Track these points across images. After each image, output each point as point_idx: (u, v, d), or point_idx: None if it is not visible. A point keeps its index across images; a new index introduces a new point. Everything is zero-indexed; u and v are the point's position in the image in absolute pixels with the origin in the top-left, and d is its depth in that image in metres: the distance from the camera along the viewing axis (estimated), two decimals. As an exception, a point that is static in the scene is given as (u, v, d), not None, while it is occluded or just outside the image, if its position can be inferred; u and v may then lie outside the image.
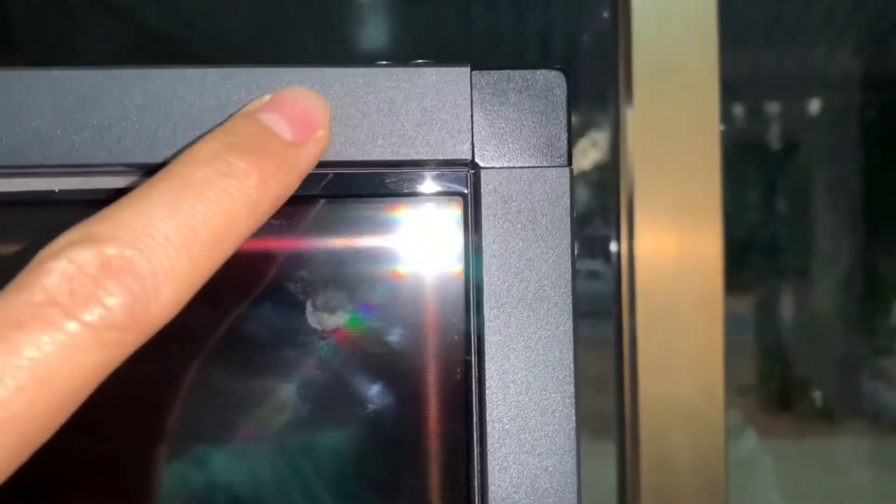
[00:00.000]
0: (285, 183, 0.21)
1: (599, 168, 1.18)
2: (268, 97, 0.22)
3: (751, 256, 1.52)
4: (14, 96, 0.22)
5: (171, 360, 0.23)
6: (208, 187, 0.19)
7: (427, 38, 1.19)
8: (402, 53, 1.19)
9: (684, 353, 0.65)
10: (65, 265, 0.18)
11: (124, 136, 0.22)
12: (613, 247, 0.71)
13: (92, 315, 0.18)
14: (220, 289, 0.23)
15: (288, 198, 0.21)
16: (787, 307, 1.61)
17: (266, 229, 0.23)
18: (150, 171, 0.23)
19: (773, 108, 1.54)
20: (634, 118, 0.65)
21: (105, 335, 0.18)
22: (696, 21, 0.64)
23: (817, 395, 1.58)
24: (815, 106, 1.52)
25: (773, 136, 1.55)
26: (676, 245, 0.66)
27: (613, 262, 0.71)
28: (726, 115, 1.46)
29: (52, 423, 0.18)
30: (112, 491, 0.24)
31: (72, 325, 0.17)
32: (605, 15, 0.72)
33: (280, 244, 0.23)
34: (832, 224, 1.55)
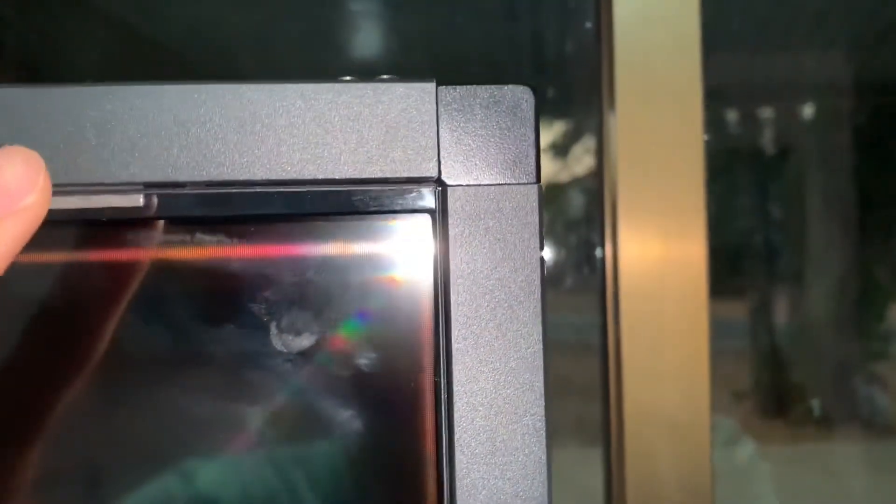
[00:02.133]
0: None
1: (595, 174, 1.17)
2: None
3: (744, 262, 1.52)
4: None
5: (138, 384, 0.23)
6: None
7: (416, 47, 1.19)
8: (393, 61, 1.19)
9: (669, 359, 0.64)
10: None
11: (79, 154, 0.22)
12: (598, 252, 0.71)
13: None
14: (183, 310, 0.23)
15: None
16: (781, 312, 1.61)
17: (230, 249, 0.23)
18: (104, 189, 0.22)
19: (765, 113, 1.53)
20: (618, 125, 0.65)
21: None
22: (679, 28, 0.64)
23: (813, 400, 1.58)
24: (807, 111, 1.52)
25: (766, 142, 1.55)
26: (660, 251, 0.65)
27: (598, 268, 0.71)
28: (719, 121, 1.46)
29: None
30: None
31: None
32: (588, 25, 0.71)
33: (243, 264, 0.23)
34: (826, 229, 1.54)
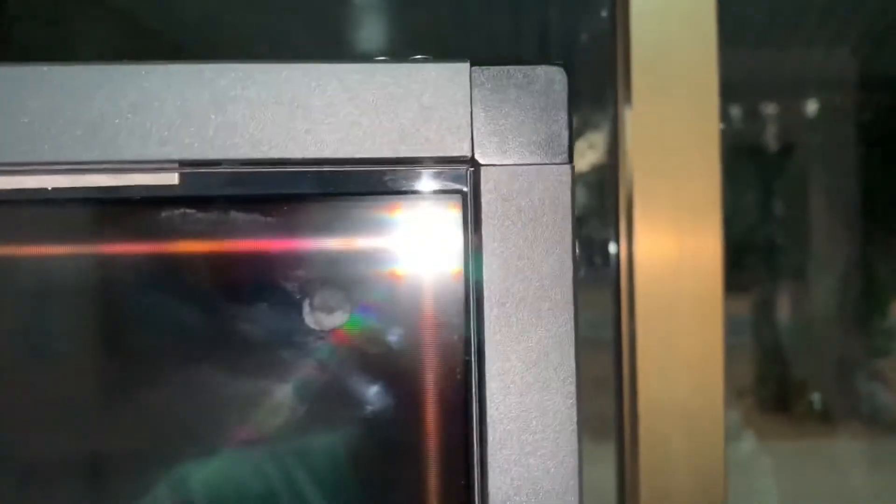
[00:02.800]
0: None
1: (597, 170, 1.17)
2: None
3: (748, 258, 1.52)
4: (4, 93, 0.22)
5: (170, 364, 0.23)
6: None
7: (423, 39, 1.19)
8: (399, 53, 1.19)
9: (684, 354, 0.64)
10: None
11: (116, 133, 0.22)
12: (612, 248, 0.71)
13: None
14: (217, 289, 0.23)
15: None
16: (784, 309, 1.61)
17: (262, 228, 0.23)
18: (140, 168, 0.22)
19: (769, 109, 1.54)
20: (633, 119, 0.65)
21: None
22: (695, 21, 0.64)
23: (815, 396, 1.58)
24: (811, 107, 1.52)
25: (770, 138, 1.55)
26: (676, 246, 0.65)
27: (612, 263, 0.71)
28: (723, 117, 1.46)
29: None
30: (112, 494, 0.23)
31: None
32: (604, 14, 0.71)
33: (277, 244, 0.23)
34: (829, 226, 1.55)
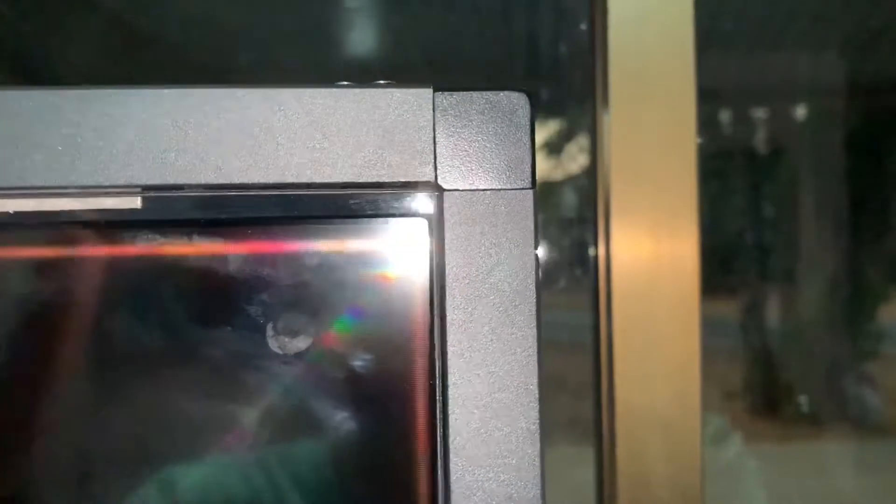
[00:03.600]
0: None
1: (589, 173, 1.18)
2: None
3: (736, 261, 1.52)
4: None
5: (133, 384, 0.23)
6: None
7: (410, 46, 1.19)
8: (387, 58, 1.19)
9: (660, 359, 0.65)
10: None
11: (79, 157, 0.22)
12: (591, 251, 0.71)
13: None
14: (181, 311, 0.23)
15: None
16: (772, 312, 1.61)
17: (226, 252, 0.23)
18: (103, 192, 0.22)
19: (759, 113, 1.54)
20: (611, 125, 0.65)
21: None
22: (673, 29, 0.64)
23: (803, 399, 1.59)
24: (801, 112, 1.52)
25: (759, 142, 1.56)
26: (653, 251, 0.65)
27: (591, 267, 0.71)
28: (712, 121, 1.47)
29: None
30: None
31: None
32: (583, 27, 0.72)
33: (240, 267, 0.23)
34: (817, 229, 1.55)
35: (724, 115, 1.49)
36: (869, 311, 1.58)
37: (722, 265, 1.49)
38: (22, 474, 0.23)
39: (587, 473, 0.74)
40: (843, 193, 1.51)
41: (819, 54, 1.39)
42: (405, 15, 1.21)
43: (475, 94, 0.22)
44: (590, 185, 0.70)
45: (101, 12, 1.19)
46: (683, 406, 0.64)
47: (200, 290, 0.23)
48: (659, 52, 0.64)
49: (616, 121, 0.65)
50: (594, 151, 0.69)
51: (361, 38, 1.29)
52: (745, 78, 1.38)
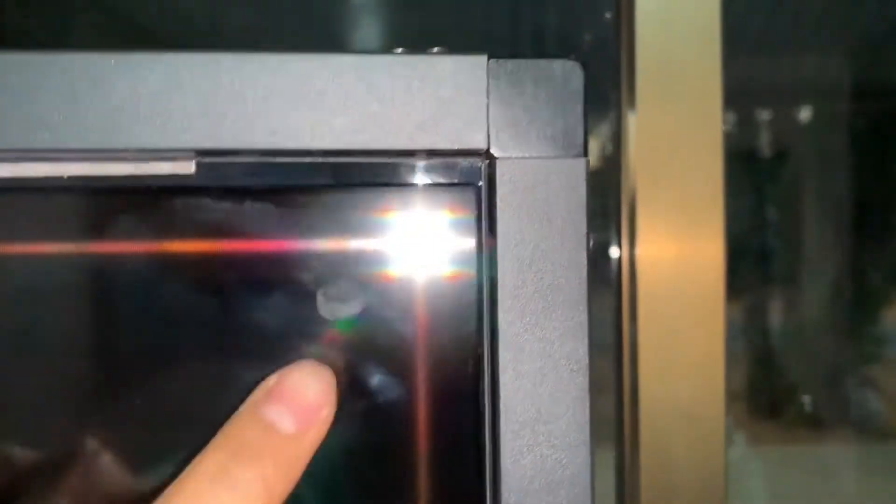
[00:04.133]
0: (288, 479, 0.22)
1: (594, 173, 1.17)
2: (272, 381, 0.22)
3: (740, 264, 1.53)
4: (23, 79, 0.22)
5: (183, 355, 0.23)
6: None
7: (423, 41, 1.19)
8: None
9: (686, 359, 0.65)
10: None
11: (135, 121, 0.22)
12: (614, 251, 0.71)
13: None
14: (233, 279, 0.23)
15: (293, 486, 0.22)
16: (775, 314, 1.62)
17: (276, 219, 0.23)
18: (157, 156, 0.22)
19: (763, 116, 1.54)
20: (637, 122, 0.65)
21: None
22: (700, 24, 0.64)
23: (805, 401, 1.59)
24: (805, 114, 1.53)
25: (764, 144, 1.56)
26: (678, 250, 0.66)
27: (613, 267, 0.71)
28: (718, 122, 1.47)
29: None
30: (114, 483, 0.23)
31: None
32: (608, 16, 0.72)
33: (292, 234, 0.23)
34: (821, 232, 1.55)
35: (729, 118, 1.50)
36: (872, 315, 1.58)
37: (726, 267, 1.49)
38: (79, 440, 0.23)
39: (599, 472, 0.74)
40: (847, 196, 1.52)
41: (825, 57, 1.40)
42: (414, 11, 1.22)
43: (529, 62, 0.22)
44: (613, 184, 0.70)
45: (102, 6, 1.19)
46: (708, 403, 0.64)
47: (252, 258, 0.23)
48: (685, 50, 0.64)
49: (642, 118, 0.65)
50: (618, 150, 0.69)
51: (369, 35, 1.29)
52: (749, 80, 1.38)
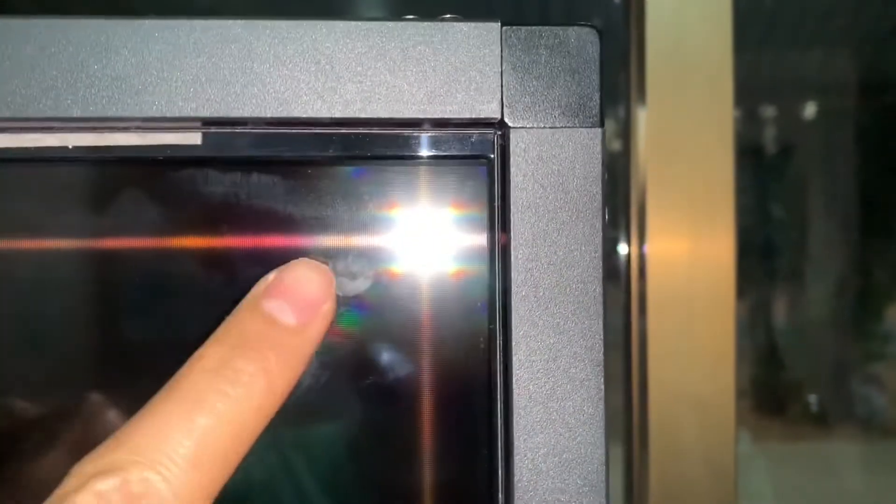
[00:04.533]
0: (291, 374, 0.21)
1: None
2: (272, 277, 0.22)
3: (745, 260, 1.52)
4: (26, 46, 0.21)
5: (184, 330, 0.23)
6: (219, 400, 0.20)
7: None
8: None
9: (696, 354, 0.64)
10: (91, 499, 0.19)
11: (141, 89, 0.21)
12: (622, 248, 0.71)
13: None
14: (241, 252, 0.23)
15: (296, 382, 0.21)
16: (780, 311, 1.61)
17: (285, 191, 0.23)
18: (166, 125, 0.22)
19: (768, 111, 1.54)
20: (647, 117, 0.64)
21: None
22: (711, 17, 0.63)
23: (810, 399, 1.58)
24: (810, 110, 1.52)
25: (769, 140, 1.55)
26: (689, 246, 0.65)
27: (622, 263, 0.70)
28: (722, 118, 1.46)
29: None
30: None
31: None
32: (617, 1, 0.71)
33: (301, 208, 0.22)
34: (826, 229, 1.55)
35: (734, 113, 1.49)
36: (877, 312, 1.58)
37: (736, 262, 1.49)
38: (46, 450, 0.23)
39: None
40: (851, 193, 1.51)
41: (830, 52, 1.39)
42: (417, 8, 1.21)
43: (544, 29, 0.22)
44: (622, 177, 0.69)
45: (106, 5, 1.19)
46: (718, 399, 0.64)
47: (260, 229, 0.23)
48: (696, 47, 0.64)
49: (652, 113, 0.64)
50: (626, 145, 0.68)
51: (370, 8, 1.29)
52: (754, 75, 1.38)
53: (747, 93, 1.45)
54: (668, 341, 0.64)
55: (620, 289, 0.71)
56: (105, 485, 0.19)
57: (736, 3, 0.68)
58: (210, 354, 0.21)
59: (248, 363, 0.20)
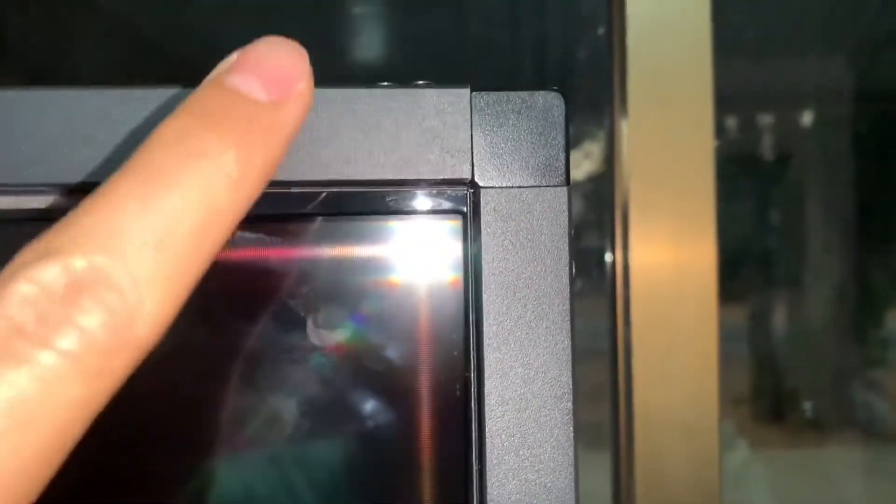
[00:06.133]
0: (268, 150, 0.18)
1: (593, 179, 1.18)
2: (235, 55, 0.19)
3: (744, 267, 1.53)
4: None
5: (168, 377, 0.24)
6: (180, 172, 0.17)
7: (422, 52, 1.20)
8: (398, 66, 1.20)
9: (679, 364, 0.65)
10: (25, 287, 0.15)
11: (62, 156, 0.22)
12: (608, 257, 0.72)
13: (68, 341, 0.15)
14: (218, 305, 0.24)
15: (275, 170, 0.19)
16: (780, 318, 1.62)
17: (267, 245, 0.24)
18: (84, 190, 0.23)
19: (766, 119, 1.54)
20: (629, 130, 0.66)
21: (87, 362, 0.15)
22: (690, 34, 0.65)
23: (810, 405, 1.59)
24: (808, 118, 1.53)
25: (767, 148, 1.56)
26: (671, 256, 0.66)
27: (608, 273, 0.72)
28: (719, 127, 1.47)
29: (42, 471, 0.15)
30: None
31: (46, 356, 0.15)
32: (600, 32, 0.73)
33: (280, 261, 0.23)
34: (825, 235, 1.55)
35: (731, 121, 1.50)
36: (876, 318, 1.58)
37: (728, 271, 1.50)
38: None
39: (594, 476, 0.74)
40: (850, 199, 1.52)
41: (827, 60, 1.40)
42: (414, 22, 1.22)
43: (511, 94, 0.23)
44: (608, 191, 0.70)
45: (106, 16, 1.20)
46: (701, 410, 0.65)
47: (242, 285, 0.24)
48: (677, 58, 0.65)
49: (633, 126, 0.65)
50: (611, 157, 0.69)
51: (370, 45, 1.30)
52: (751, 83, 1.39)
53: (745, 101, 1.46)
54: (652, 355, 0.65)
55: (605, 296, 0.72)
56: (43, 273, 0.15)
57: (729, 13, 0.69)
58: (169, 126, 0.18)
59: (213, 132, 0.17)
